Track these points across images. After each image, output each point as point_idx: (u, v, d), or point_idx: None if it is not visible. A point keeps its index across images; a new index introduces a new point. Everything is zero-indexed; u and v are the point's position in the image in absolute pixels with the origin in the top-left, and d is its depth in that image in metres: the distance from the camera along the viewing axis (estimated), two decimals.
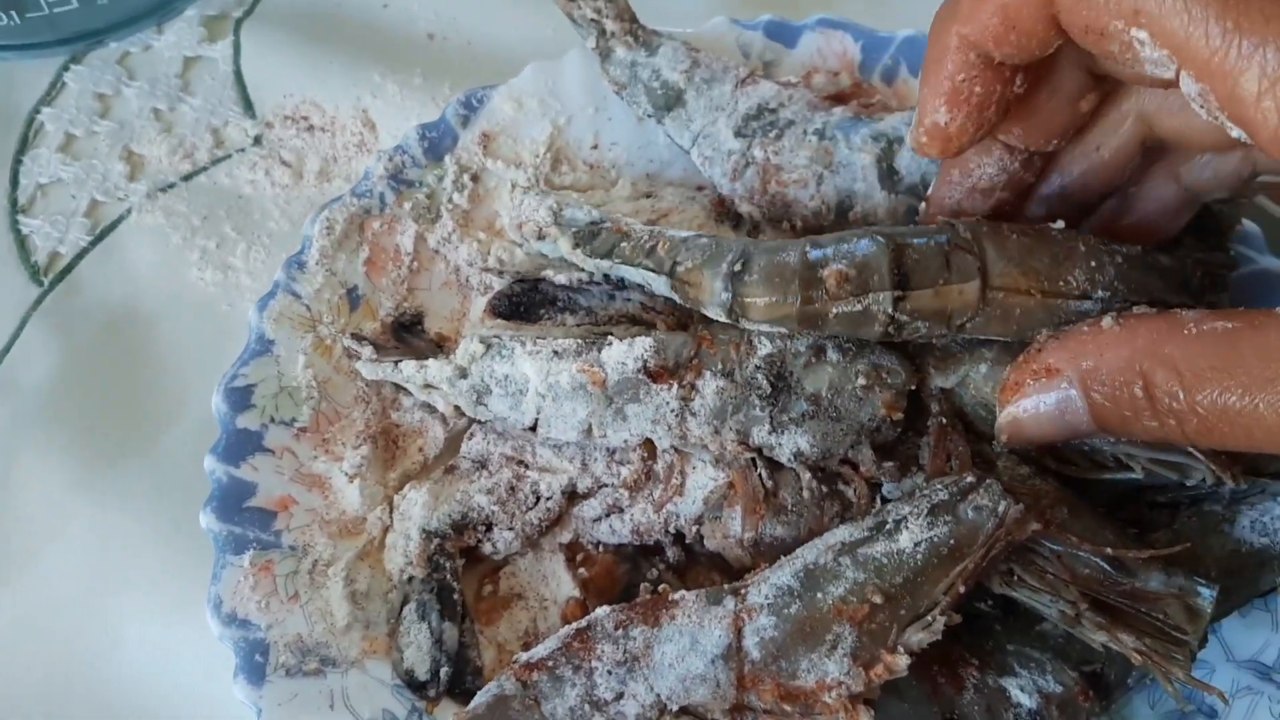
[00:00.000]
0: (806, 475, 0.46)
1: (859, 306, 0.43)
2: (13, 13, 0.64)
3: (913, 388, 0.46)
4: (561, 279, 0.53)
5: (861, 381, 0.45)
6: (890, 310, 0.42)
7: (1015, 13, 0.35)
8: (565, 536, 0.49)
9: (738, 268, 0.45)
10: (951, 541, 0.41)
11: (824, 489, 0.46)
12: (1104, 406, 0.37)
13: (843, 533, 0.43)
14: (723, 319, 0.46)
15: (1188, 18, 0.28)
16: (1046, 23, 0.35)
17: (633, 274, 0.49)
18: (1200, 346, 0.33)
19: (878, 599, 0.40)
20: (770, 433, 0.46)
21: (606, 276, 0.53)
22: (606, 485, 0.49)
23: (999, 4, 0.36)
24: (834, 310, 0.43)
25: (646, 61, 0.56)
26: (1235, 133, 0.30)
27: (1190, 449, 0.41)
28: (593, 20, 0.56)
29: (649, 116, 0.56)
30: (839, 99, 0.56)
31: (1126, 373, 0.36)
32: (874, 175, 0.52)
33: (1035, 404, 0.40)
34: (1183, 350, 0.34)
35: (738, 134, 0.54)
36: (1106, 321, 0.38)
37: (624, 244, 0.49)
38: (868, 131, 0.52)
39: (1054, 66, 0.40)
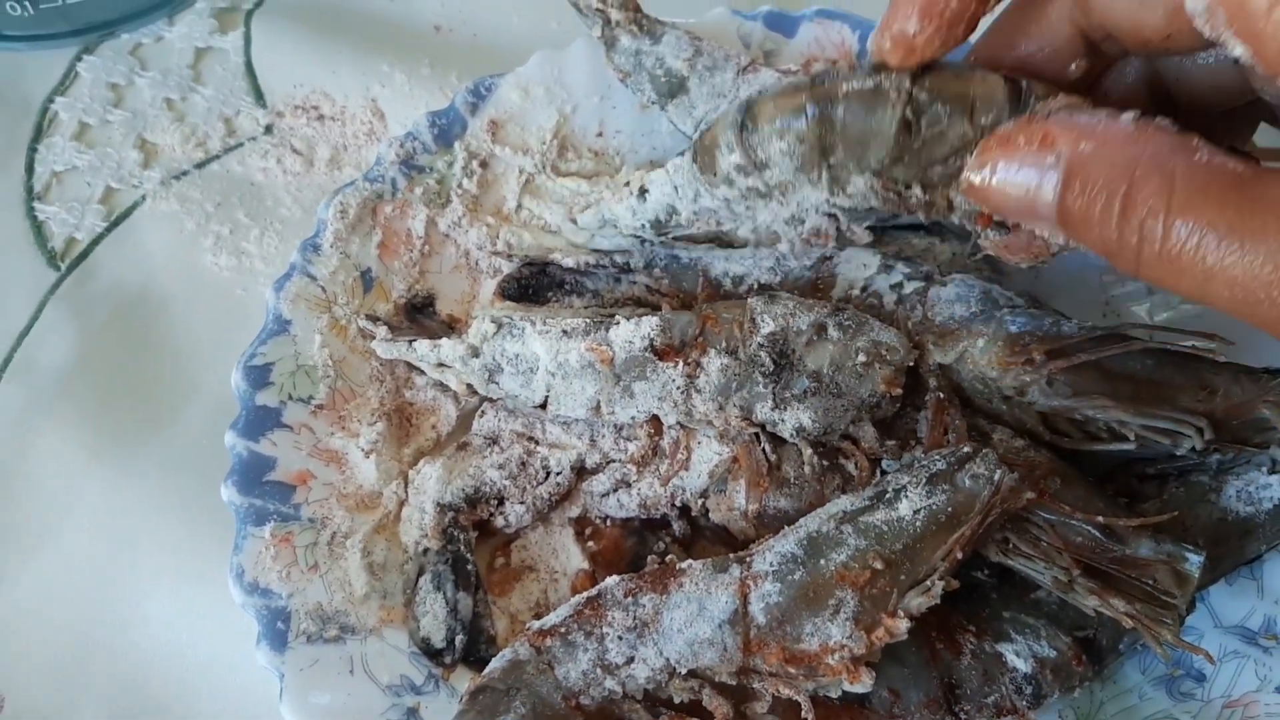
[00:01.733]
0: (808, 450, 0.47)
1: (870, 84, 0.41)
2: (26, 4, 0.66)
3: (911, 364, 0.48)
4: (569, 262, 0.55)
5: (861, 359, 0.47)
6: (908, 87, 0.41)
7: None
8: (574, 511, 0.51)
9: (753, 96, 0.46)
10: (949, 509, 0.42)
11: (825, 463, 0.48)
12: (1075, 200, 0.34)
13: (844, 502, 0.44)
14: (736, 148, 0.45)
15: None
16: None
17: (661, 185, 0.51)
18: (1205, 174, 0.32)
19: (878, 565, 0.42)
20: (773, 409, 0.47)
21: (613, 260, 0.54)
22: (615, 461, 0.51)
23: None
24: (844, 88, 0.42)
25: (650, 50, 0.57)
26: (1238, 51, 0.29)
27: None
28: (598, 9, 0.58)
29: (653, 104, 0.57)
30: None
31: (1120, 171, 0.33)
32: None
33: (1013, 169, 0.36)
34: (1186, 170, 0.32)
35: None
36: (1126, 116, 0.35)
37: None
38: None
39: None
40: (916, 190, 0.42)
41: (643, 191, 0.52)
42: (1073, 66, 0.40)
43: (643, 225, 0.52)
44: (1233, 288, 0.30)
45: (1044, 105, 0.39)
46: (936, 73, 0.40)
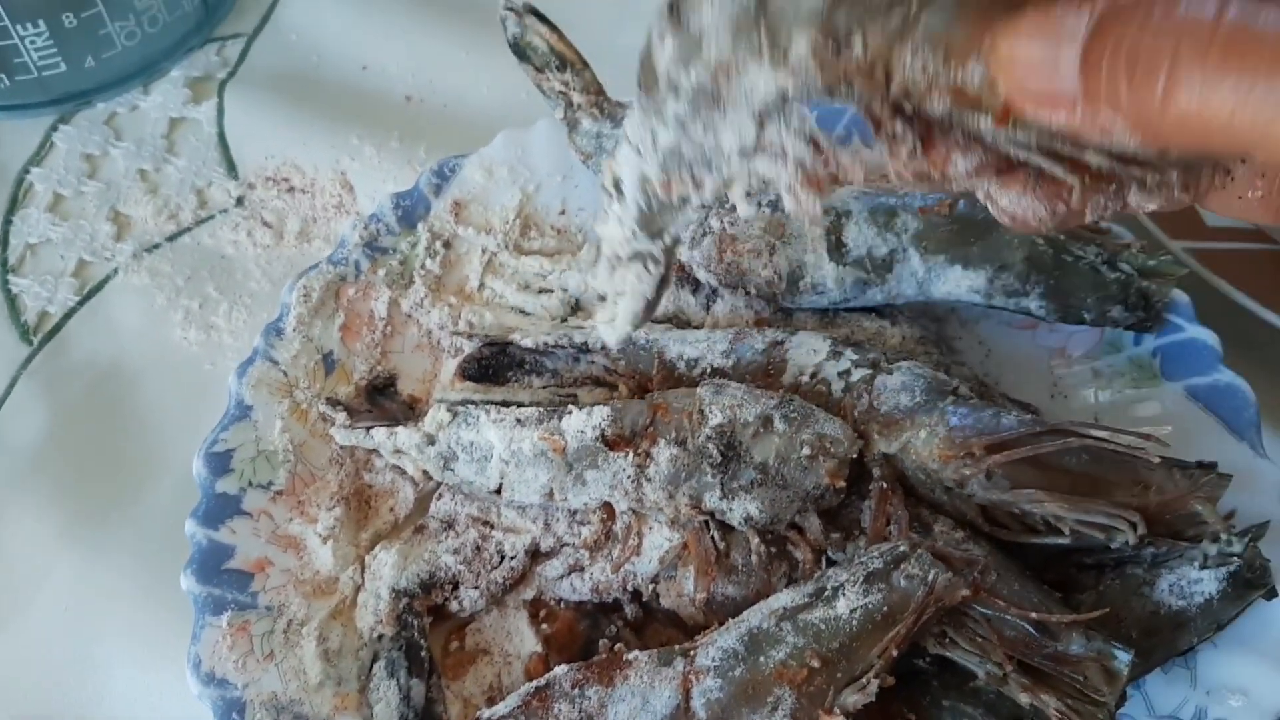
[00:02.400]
0: (755, 540, 0.49)
1: None
2: (2, 75, 0.67)
3: (855, 455, 0.49)
4: (528, 342, 0.56)
5: (806, 451, 0.48)
6: None
7: None
8: (529, 594, 0.52)
9: None
10: (885, 608, 0.43)
11: (773, 551, 0.49)
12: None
13: (785, 598, 0.45)
14: (667, 32, 0.36)
15: None
16: None
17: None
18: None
19: (815, 663, 0.43)
20: (721, 498, 0.49)
21: (570, 341, 0.55)
22: (568, 545, 0.52)
23: None
24: None
25: (611, 133, 0.58)
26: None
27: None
28: (561, 92, 0.59)
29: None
30: None
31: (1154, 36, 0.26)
32: (823, 247, 0.54)
33: (1041, 44, 0.28)
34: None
35: None
36: None
37: None
38: None
39: None
40: (858, 47, 0.36)
41: (617, 186, 0.48)
42: None
43: (634, 233, 0.46)
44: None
45: None
46: None
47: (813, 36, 0.34)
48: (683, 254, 0.57)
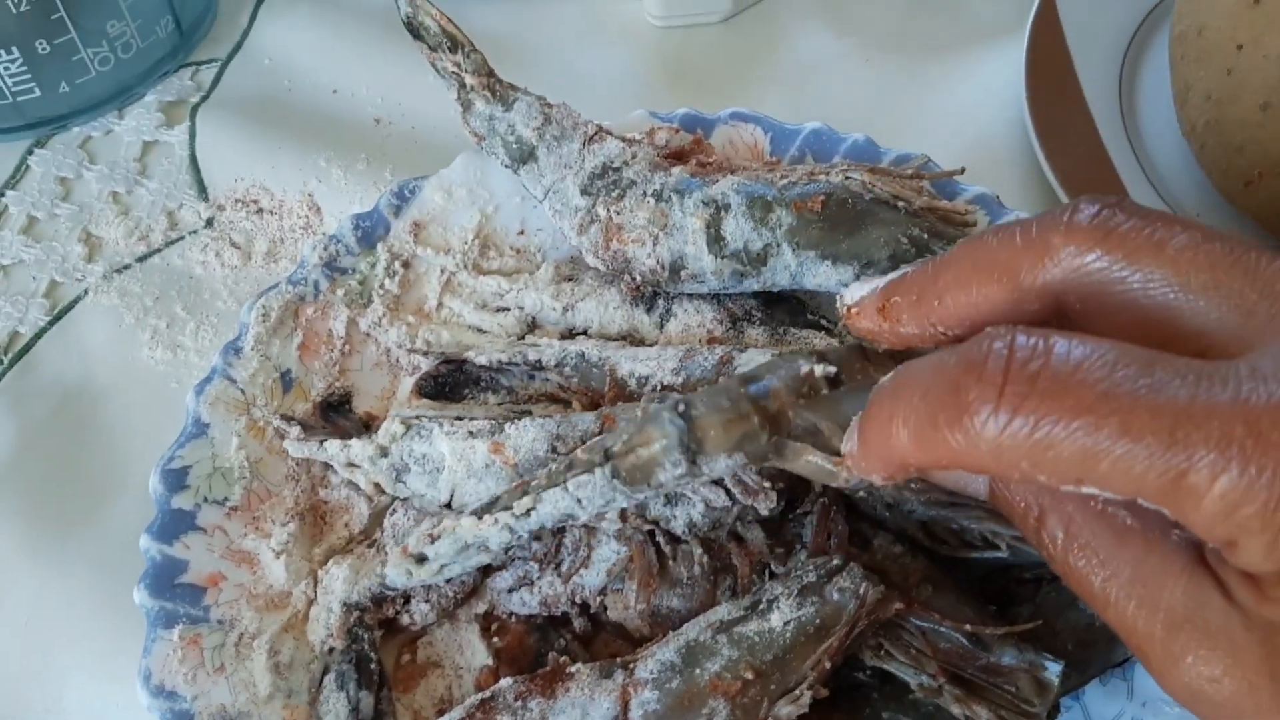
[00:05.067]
0: (698, 551, 0.49)
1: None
2: None
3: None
4: (483, 360, 0.57)
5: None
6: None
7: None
8: (480, 607, 0.53)
9: (681, 408, 0.44)
10: (818, 621, 0.44)
11: (717, 564, 0.50)
12: (1004, 501, 0.37)
13: (723, 611, 0.46)
14: (682, 464, 0.43)
15: (1132, 463, 0.27)
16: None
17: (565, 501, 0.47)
18: (1095, 526, 0.33)
19: (749, 675, 0.43)
20: (665, 504, 0.49)
21: (525, 358, 0.56)
22: (519, 558, 0.53)
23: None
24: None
25: (503, 116, 0.60)
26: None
27: None
28: (453, 73, 0.60)
29: (506, 167, 0.60)
30: (679, 156, 0.60)
31: (1030, 500, 0.35)
32: (703, 240, 0.55)
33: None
34: (1078, 516, 0.34)
35: (584, 192, 0.58)
36: None
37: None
38: (699, 196, 0.56)
39: None
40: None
41: (528, 512, 0.47)
42: None
43: (520, 538, 0.49)
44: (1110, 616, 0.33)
45: None
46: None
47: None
48: (571, 240, 0.59)
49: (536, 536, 0.50)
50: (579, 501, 0.46)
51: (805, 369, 0.42)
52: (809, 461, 0.41)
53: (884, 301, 0.38)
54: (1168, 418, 0.27)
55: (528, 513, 0.47)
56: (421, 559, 0.49)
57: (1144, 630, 0.31)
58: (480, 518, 0.47)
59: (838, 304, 0.42)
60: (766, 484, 0.47)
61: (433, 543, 0.48)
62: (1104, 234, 0.32)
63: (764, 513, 0.47)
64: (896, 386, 0.33)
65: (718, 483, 0.48)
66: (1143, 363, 0.28)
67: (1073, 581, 0.34)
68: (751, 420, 0.42)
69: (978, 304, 0.35)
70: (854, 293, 0.40)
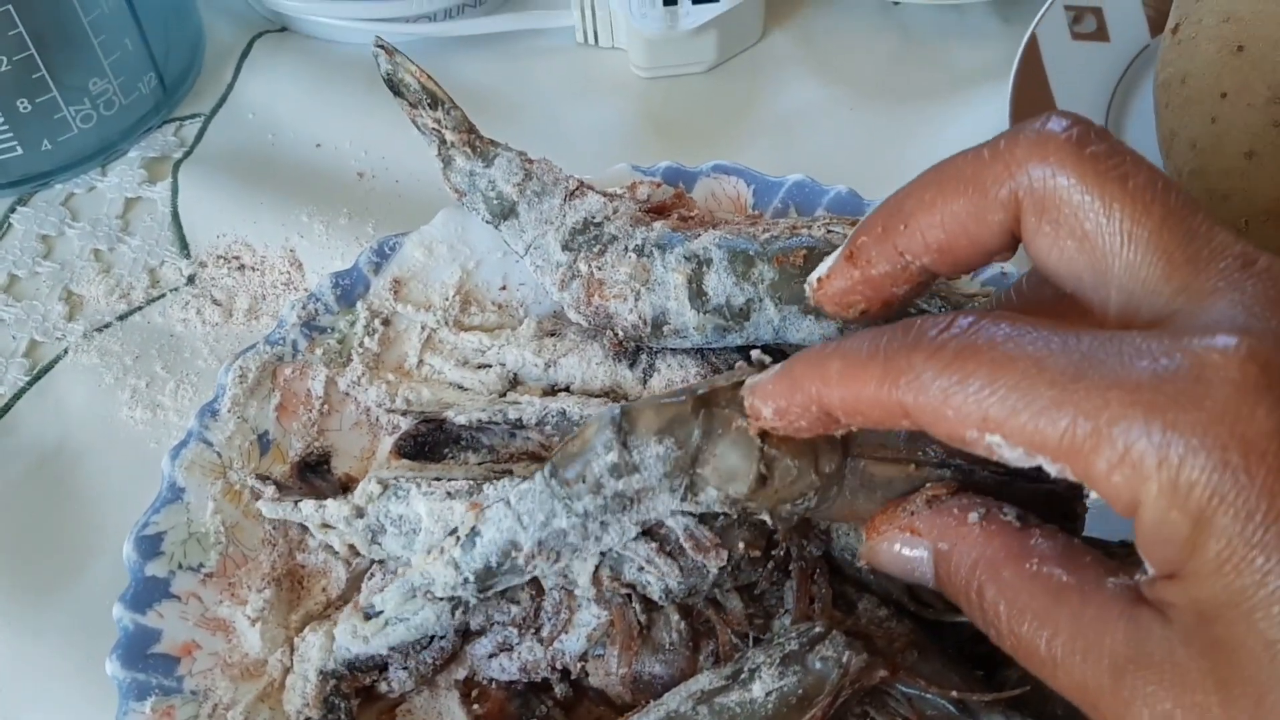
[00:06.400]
0: (675, 616, 0.49)
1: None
2: None
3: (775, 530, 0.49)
4: (462, 419, 0.56)
5: (722, 521, 0.48)
6: (759, 444, 0.41)
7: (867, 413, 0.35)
8: (460, 673, 0.52)
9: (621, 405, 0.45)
10: (800, 690, 0.43)
11: (697, 629, 0.49)
12: (948, 583, 0.39)
13: (704, 680, 0.45)
14: (614, 447, 0.43)
15: (1029, 416, 0.29)
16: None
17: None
18: (1032, 589, 0.34)
19: None
20: (639, 570, 0.49)
21: (505, 417, 0.56)
22: (498, 623, 0.52)
23: (853, 403, 0.34)
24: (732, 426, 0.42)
25: (484, 172, 0.59)
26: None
27: None
28: (434, 129, 0.60)
29: (487, 223, 0.59)
30: (660, 210, 0.60)
31: (968, 575, 0.37)
32: (684, 295, 0.55)
33: (893, 549, 0.41)
34: (1015, 582, 0.35)
35: (565, 247, 0.57)
36: (973, 516, 0.38)
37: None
38: (681, 251, 0.55)
39: None
40: (765, 515, 0.44)
41: (472, 535, 0.48)
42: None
43: (465, 580, 0.48)
44: (1070, 690, 0.33)
45: (913, 499, 0.41)
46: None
47: (724, 499, 0.41)
48: (553, 295, 0.58)
49: (487, 585, 0.48)
50: (520, 519, 0.46)
51: (741, 363, 0.42)
52: (737, 429, 0.41)
53: (851, 248, 0.39)
54: (1067, 375, 0.29)
55: (471, 537, 0.47)
56: (369, 613, 0.48)
57: (1093, 684, 0.32)
58: (428, 553, 0.47)
59: (805, 290, 0.43)
60: (718, 540, 0.46)
61: (381, 592, 0.48)
62: (1074, 152, 0.32)
63: (713, 570, 0.47)
64: (839, 341, 0.35)
65: (669, 554, 0.47)
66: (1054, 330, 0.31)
67: (1021, 654, 0.34)
68: (685, 406, 0.42)
69: (945, 223, 0.35)
70: (820, 269, 0.41)
